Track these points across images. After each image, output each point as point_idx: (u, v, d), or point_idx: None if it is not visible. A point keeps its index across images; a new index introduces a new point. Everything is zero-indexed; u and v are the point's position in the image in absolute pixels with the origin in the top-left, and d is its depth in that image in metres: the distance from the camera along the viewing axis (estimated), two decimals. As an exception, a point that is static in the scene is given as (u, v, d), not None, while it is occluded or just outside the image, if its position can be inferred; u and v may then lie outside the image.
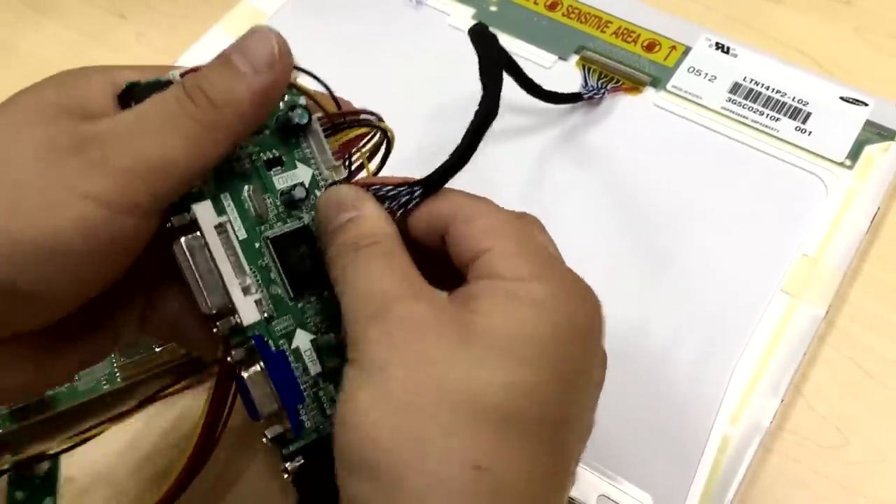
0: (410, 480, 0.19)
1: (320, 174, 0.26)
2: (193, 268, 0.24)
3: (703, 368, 0.32)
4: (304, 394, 0.25)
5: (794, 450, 0.31)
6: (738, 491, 0.30)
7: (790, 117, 0.38)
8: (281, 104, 0.26)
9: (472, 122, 0.24)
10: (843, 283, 0.34)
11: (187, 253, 0.24)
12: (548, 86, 0.37)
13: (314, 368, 0.25)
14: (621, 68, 0.40)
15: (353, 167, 0.28)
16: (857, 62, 0.41)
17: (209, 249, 0.24)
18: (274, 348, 0.25)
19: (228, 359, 0.24)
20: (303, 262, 0.26)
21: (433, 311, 0.21)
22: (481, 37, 0.26)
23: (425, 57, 0.42)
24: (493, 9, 0.43)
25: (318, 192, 0.26)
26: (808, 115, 0.38)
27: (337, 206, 0.24)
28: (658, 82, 0.40)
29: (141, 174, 0.21)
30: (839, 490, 0.30)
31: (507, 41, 0.42)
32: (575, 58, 0.41)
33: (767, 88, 0.39)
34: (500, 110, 0.24)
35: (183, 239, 0.24)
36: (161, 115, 0.22)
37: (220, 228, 0.24)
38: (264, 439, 0.24)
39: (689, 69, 0.40)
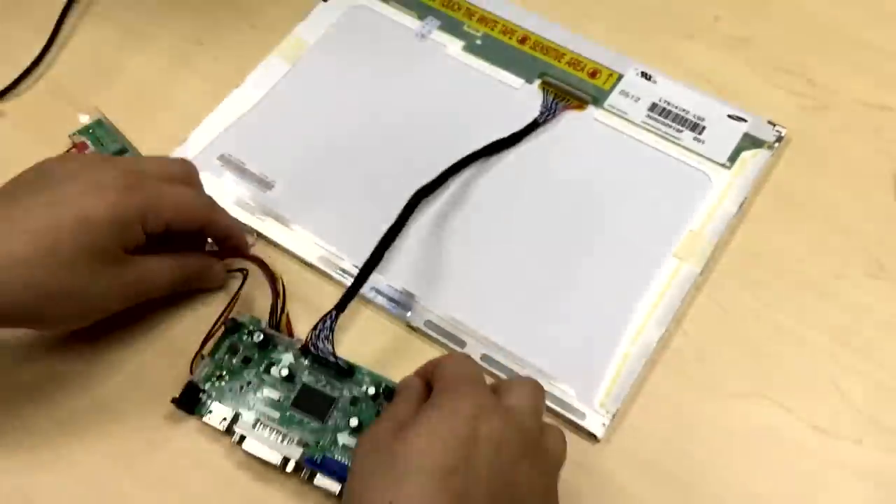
0: None
1: (295, 355, 0.42)
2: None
3: (614, 306, 0.46)
4: None
5: (674, 361, 0.46)
6: (632, 387, 0.44)
7: (690, 129, 0.52)
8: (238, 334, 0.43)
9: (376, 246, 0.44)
10: (716, 249, 0.48)
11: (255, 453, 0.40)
12: (517, 103, 0.51)
13: None
14: (571, 90, 0.54)
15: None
16: (746, 88, 0.54)
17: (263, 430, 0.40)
18: (319, 459, 0.39)
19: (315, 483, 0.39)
20: (318, 404, 0.40)
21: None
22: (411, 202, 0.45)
23: (427, 79, 0.55)
24: (479, 42, 0.56)
25: (303, 360, 0.42)
26: (704, 128, 0.52)
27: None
28: (598, 101, 0.54)
29: None
30: (703, 388, 0.45)
31: (488, 67, 0.55)
32: (538, 81, 0.55)
33: (676, 108, 0.53)
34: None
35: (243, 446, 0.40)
36: None
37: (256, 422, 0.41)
38: None
39: (620, 92, 0.54)
